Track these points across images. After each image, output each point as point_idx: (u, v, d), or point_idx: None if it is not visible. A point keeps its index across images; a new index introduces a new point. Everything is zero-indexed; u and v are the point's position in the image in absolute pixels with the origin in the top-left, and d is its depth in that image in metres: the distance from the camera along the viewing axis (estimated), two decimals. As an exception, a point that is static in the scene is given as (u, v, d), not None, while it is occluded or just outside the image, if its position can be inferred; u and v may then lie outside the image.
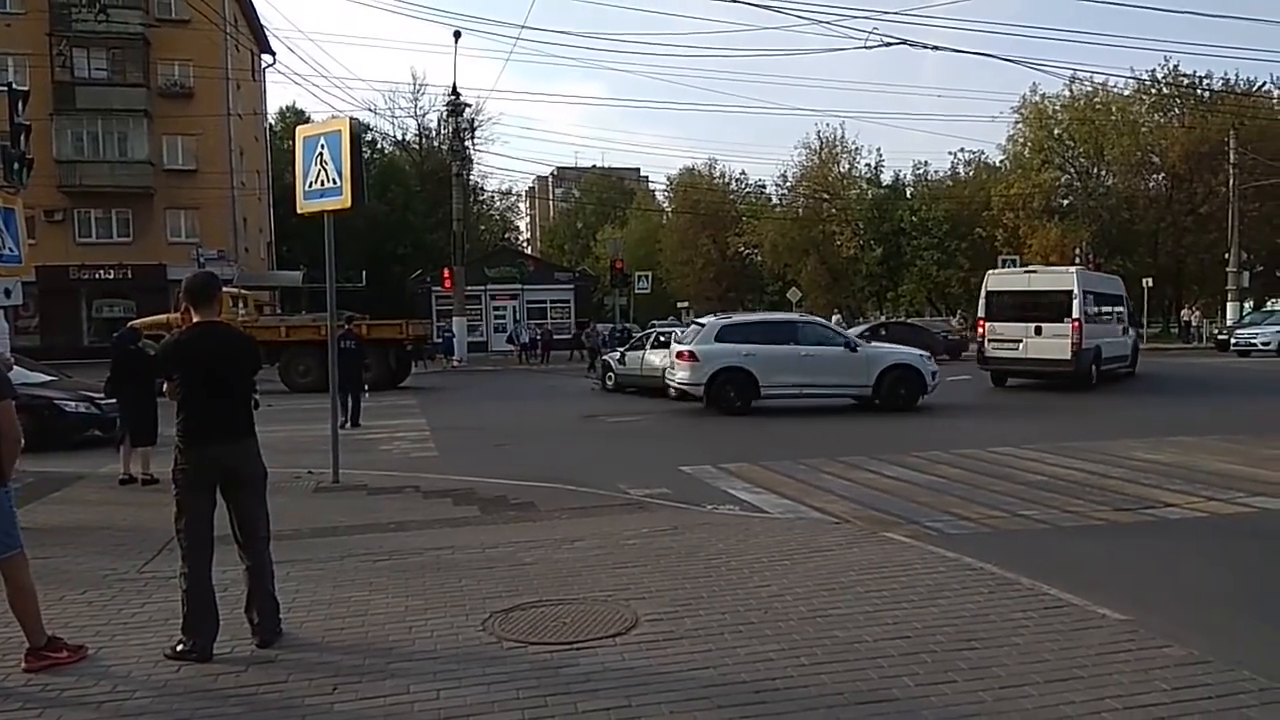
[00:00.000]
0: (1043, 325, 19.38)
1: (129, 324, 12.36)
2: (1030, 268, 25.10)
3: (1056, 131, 47.57)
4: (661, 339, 20.61)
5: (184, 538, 4.51)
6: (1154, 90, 45.20)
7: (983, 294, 20.93)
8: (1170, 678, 3.95)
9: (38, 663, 4.29)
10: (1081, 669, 4.07)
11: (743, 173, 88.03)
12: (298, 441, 12.12)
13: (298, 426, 14.04)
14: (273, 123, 53.16)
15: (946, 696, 3.82)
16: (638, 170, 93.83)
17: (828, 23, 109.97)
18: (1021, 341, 19.66)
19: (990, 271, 23.09)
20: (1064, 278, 20.42)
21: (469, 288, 36.76)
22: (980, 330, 20.70)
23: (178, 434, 4.54)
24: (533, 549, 6.36)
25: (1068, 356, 19.17)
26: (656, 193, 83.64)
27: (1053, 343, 19.25)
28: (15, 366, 10.51)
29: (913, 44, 48.70)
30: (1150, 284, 38.53)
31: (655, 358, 19.99)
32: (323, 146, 8.70)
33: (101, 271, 35.99)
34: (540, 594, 5.30)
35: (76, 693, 4.05)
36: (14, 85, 14.26)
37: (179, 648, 4.41)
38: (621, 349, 22.74)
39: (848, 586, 5.37)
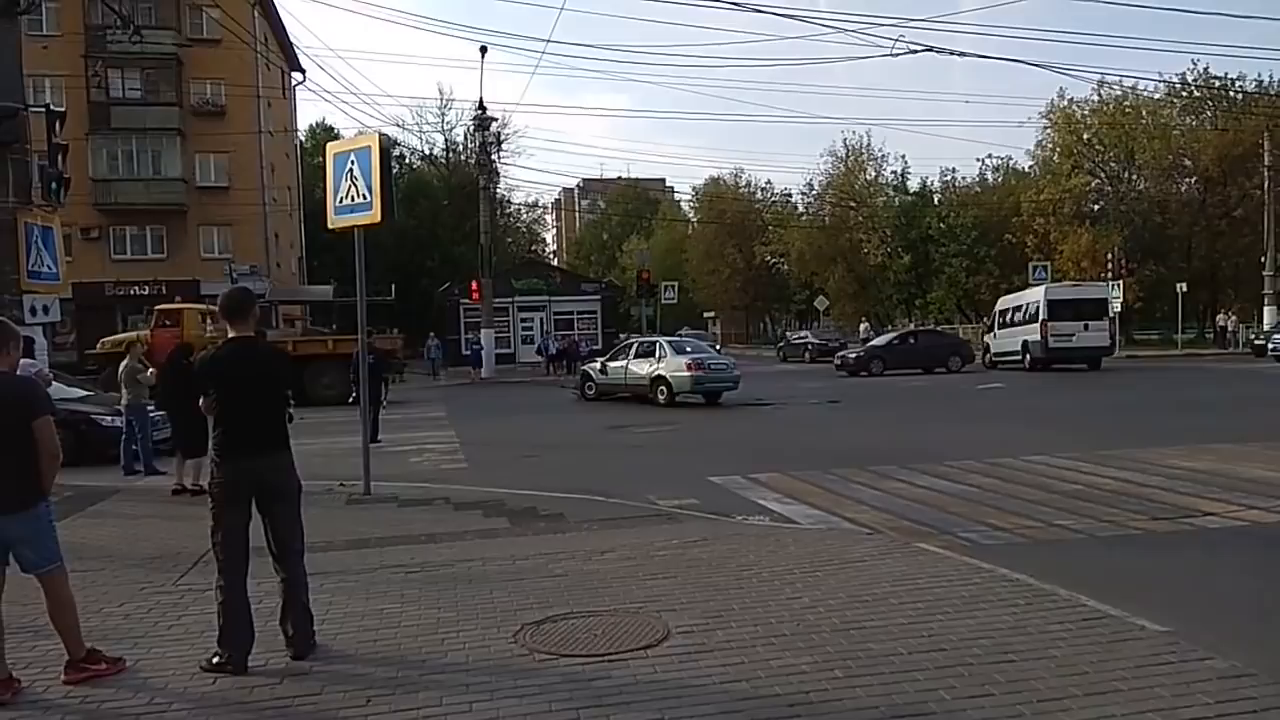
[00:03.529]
0: (1089, 322, 27.57)
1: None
2: (1076, 281, 34.50)
3: (1086, 136, 47.04)
4: (644, 349, 21.34)
5: (220, 551, 4.57)
6: (1184, 93, 44.60)
7: (1043, 302, 27.89)
8: (1213, 691, 3.87)
9: (77, 675, 4.35)
10: (1121, 682, 4.00)
11: (768, 182, 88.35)
12: (331, 454, 12.23)
13: (332, 439, 14.16)
14: (303, 139, 53.83)
15: (984, 710, 3.77)
16: (663, 181, 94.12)
17: (853, 31, 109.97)
18: (1074, 334, 27.44)
19: (1047, 285, 30.64)
20: (1101, 288, 31.21)
21: (496, 300, 36.93)
22: (1044, 329, 27.68)
23: (214, 448, 4.61)
24: (563, 560, 6.37)
25: (1107, 344, 28.45)
26: (682, 203, 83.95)
27: (1096, 334, 27.73)
28: (54, 382, 10.70)
29: (939, 50, 48.10)
30: (1185, 289, 37.93)
31: (639, 367, 20.84)
32: (353, 162, 8.79)
33: (137, 288, 36.48)
34: (571, 606, 5.30)
35: (115, 705, 4.11)
36: (51, 106, 14.48)
37: (215, 660, 4.45)
38: (601, 359, 23.52)
39: (881, 598, 5.32)
